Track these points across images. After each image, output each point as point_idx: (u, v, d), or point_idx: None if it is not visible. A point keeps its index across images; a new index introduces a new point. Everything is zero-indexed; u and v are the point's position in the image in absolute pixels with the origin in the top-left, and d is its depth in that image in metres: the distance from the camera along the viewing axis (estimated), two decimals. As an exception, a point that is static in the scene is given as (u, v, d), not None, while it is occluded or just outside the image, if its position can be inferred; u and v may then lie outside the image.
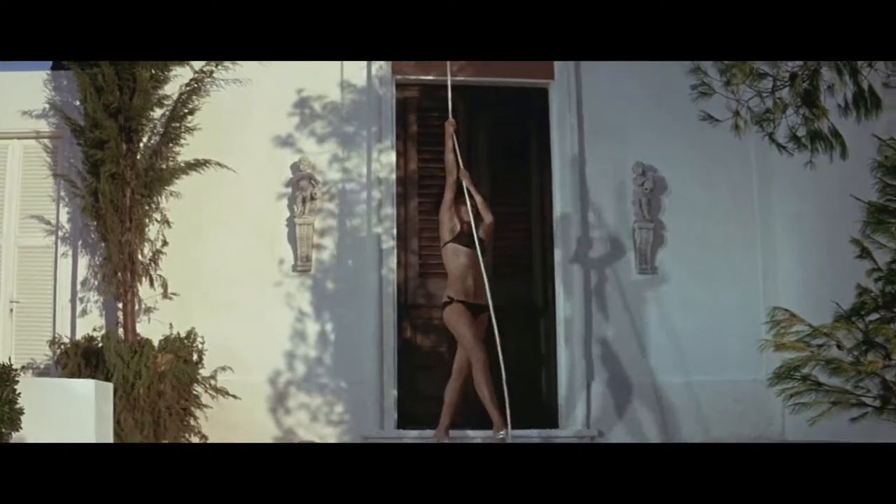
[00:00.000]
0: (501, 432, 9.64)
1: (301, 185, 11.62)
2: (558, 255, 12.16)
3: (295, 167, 11.81)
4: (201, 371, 10.78)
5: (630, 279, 12.26)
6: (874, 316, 6.52)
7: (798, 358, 6.44)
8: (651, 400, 11.85)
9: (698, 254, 12.30)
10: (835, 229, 8.06)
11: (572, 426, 11.78)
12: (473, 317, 9.88)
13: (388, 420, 11.53)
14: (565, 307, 12.01)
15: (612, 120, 12.28)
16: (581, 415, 11.89)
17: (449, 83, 10.36)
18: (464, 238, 10.05)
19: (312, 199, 11.62)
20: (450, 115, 10.32)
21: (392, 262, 11.89)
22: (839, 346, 6.44)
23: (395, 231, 11.95)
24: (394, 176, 12.05)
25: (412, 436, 11.15)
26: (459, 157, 10.12)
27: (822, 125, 7.30)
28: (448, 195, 10.03)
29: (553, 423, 11.91)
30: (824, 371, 6.41)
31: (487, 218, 10.25)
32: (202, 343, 10.77)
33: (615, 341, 12.07)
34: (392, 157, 12.08)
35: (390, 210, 11.95)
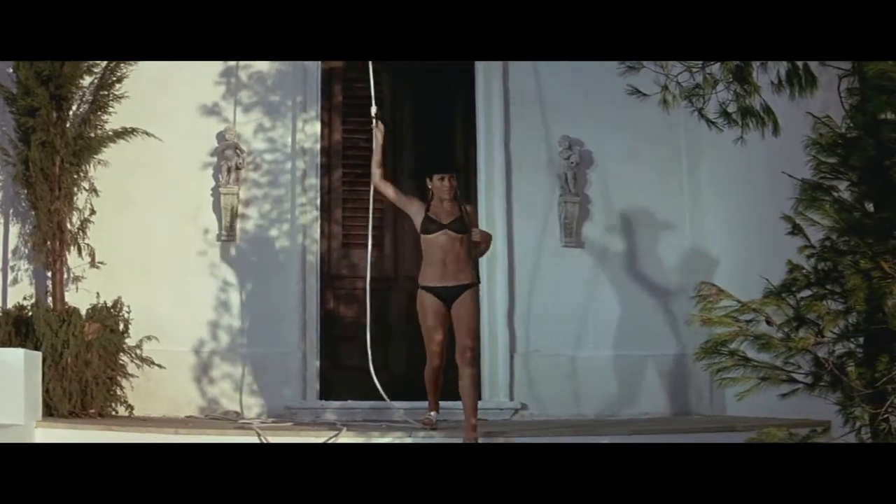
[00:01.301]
0: (431, 413, 9.66)
1: (226, 154, 11.47)
2: (482, 227, 11.91)
3: (220, 137, 11.66)
4: (127, 340, 10.64)
5: (555, 252, 12.20)
6: (806, 293, 6.40)
7: (726, 333, 6.30)
8: (575, 373, 11.80)
9: (624, 228, 12.27)
10: (766, 206, 7.97)
11: (495, 398, 11.70)
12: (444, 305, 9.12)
13: (310, 390, 11.48)
14: (489, 279, 11.85)
15: (539, 94, 12.16)
16: (504, 386, 11.86)
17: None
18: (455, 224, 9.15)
19: (237, 168, 11.49)
20: (372, 98, 10.06)
21: (315, 232, 11.81)
22: (769, 322, 6.31)
23: (318, 201, 11.88)
24: (318, 146, 11.96)
25: (334, 406, 11.08)
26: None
27: (754, 101, 7.19)
28: (390, 192, 9.57)
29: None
30: (753, 346, 6.28)
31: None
32: (128, 312, 10.63)
33: (539, 314, 12.00)
34: (317, 127, 11.97)
35: (314, 180, 11.87)
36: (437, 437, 9.00)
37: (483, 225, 11.84)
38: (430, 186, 9.19)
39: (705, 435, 9.69)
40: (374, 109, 9.92)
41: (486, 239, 9.38)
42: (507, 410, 11.57)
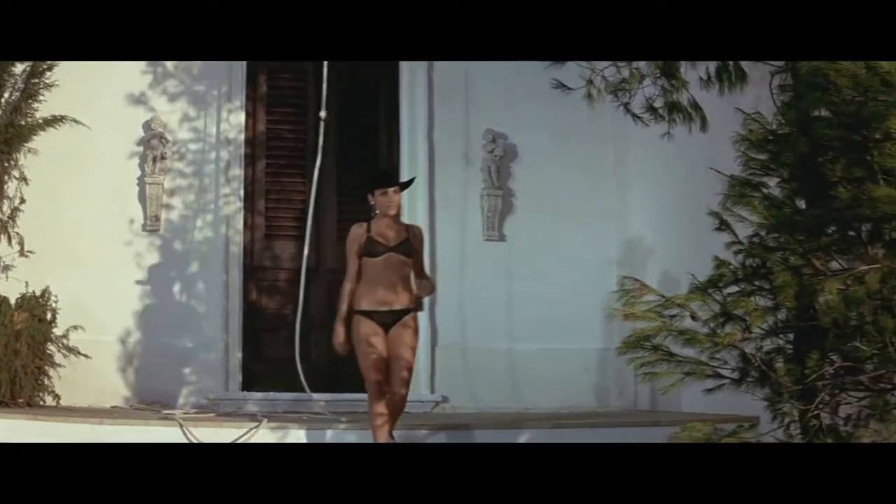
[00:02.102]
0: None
1: (152, 143, 11.27)
2: (404, 219, 11.77)
3: (146, 126, 11.42)
4: (55, 330, 10.46)
5: (477, 245, 12.10)
6: (733, 289, 6.33)
7: (649, 328, 6.21)
8: (497, 366, 11.69)
9: (548, 222, 12.16)
10: (693, 201, 7.89)
11: (416, 390, 11.52)
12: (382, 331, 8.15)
13: (232, 382, 11.31)
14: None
15: (463, 86, 12.04)
16: (425, 379, 11.74)
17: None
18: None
19: (163, 158, 11.30)
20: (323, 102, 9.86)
21: (239, 223, 11.62)
22: (694, 318, 6.23)
23: (242, 192, 11.67)
24: (242, 136, 11.75)
25: (256, 397, 10.93)
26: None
27: (682, 97, 7.12)
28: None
29: (398, 386, 11.61)
30: (677, 342, 6.19)
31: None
32: (56, 302, 10.43)
33: (461, 307, 11.88)
34: (241, 117, 11.77)
35: (238, 171, 11.67)
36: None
37: (406, 217, 11.68)
38: (371, 202, 8.29)
39: (629, 429, 9.67)
40: (322, 113, 9.86)
41: (430, 291, 8.73)
42: (428, 403, 11.46)
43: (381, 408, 8.13)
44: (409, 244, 8.25)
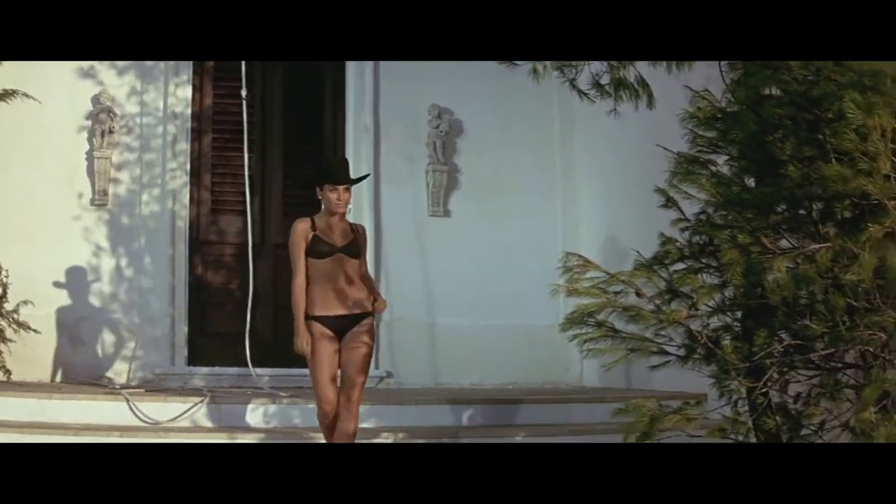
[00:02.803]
0: None
1: (100, 117, 10.99)
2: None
3: (95, 100, 11.14)
4: (5, 305, 10.17)
5: (422, 221, 11.96)
6: (679, 266, 6.22)
7: (593, 304, 6.10)
8: (444, 342, 11.57)
9: (493, 198, 12.05)
10: (641, 178, 7.78)
11: (360, 365, 11.41)
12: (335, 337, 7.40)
13: (178, 357, 11.10)
14: (356, 246, 11.58)
15: (409, 61, 11.84)
16: (370, 354, 11.49)
17: None
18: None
19: (111, 132, 11.01)
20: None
21: (185, 197, 11.37)
22: (638, 294, 6.13)
23: (188, 167, 11.42)
24: (189, 111, 11.50)
25: (202, 372, 10.74)
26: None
27: (628, 73, 6.97)
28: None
29: (339, 363, 11.48)
30: (622, 318, 6.09)
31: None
32: (6, 276, 10.14)
33: (406, 283, 11.73)
34: (188, 91, 11.52)
35: (185, 145, 11.43)
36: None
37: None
38: (319, 197, 7.47)
39: (575, 406, 9.60)
40: (244, 92, 9.66)
41: (383, 307, 7.74)
42: (373, 378, 11.25)
43: (327, 410, 7.36)
44: (356, 245, 7.46)
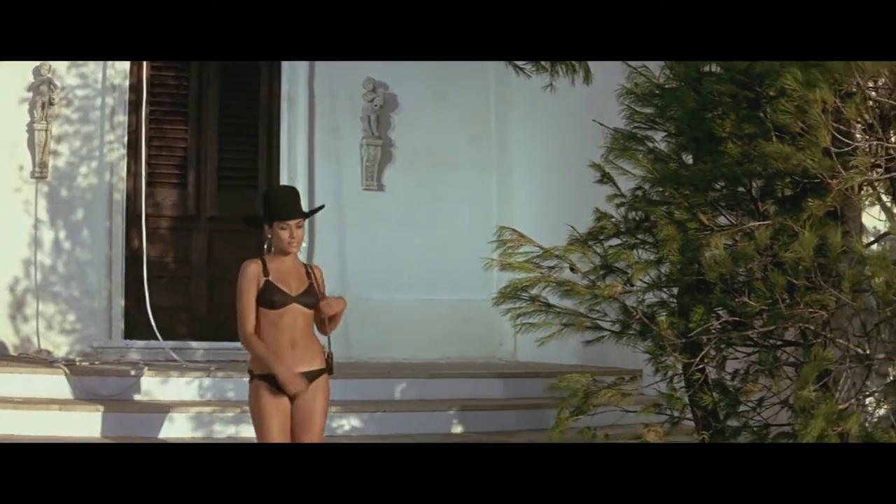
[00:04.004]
0: None
1: (41, 90, 10.59)
2: (283, 169, 11.45)
3: (36, 71, 10.72)
4: (-53, 279, 9.90)
5: (356, 195, 11.68)
6: (614, 241, 6.07)
7: (526, 278, 5.96)
8: (375, 316, 11.32)
9: (427, 172, 11.82)
10: (577, 154, 7.60)
11: (298, 342, 11.21)
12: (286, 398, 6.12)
13: (115, 330, 10.75)
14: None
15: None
16: (307, 330, 11.28)
17: None
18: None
19: (51, 104, 10.63)
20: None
21: (122, 170, 10.98)
22: (572, 269, 5.97)
23: (125, 139, 11.01)
24: (127, 83, 11.08)
25: (138, 346, 10.39)
26: None
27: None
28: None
29: (272, 336, 11.25)
30: (556, 293, 5.94)
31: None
32: (-52, 250, 9.86)
33: (339, 256, 11.48)
34: (126, 63, 11.09)
35: (122, 117, 11.02)
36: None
37: (285, 168, 11.37)
38: (267, 234, 6.16)
39: (508, 380, 9.51)
40: None
41: (341, 310, 6.44)
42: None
43: None
44: (313, 294, 6.17)
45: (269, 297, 6.01)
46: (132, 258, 10.88)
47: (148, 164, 10.97)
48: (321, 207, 7.03)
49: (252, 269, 6.09)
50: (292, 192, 6.41)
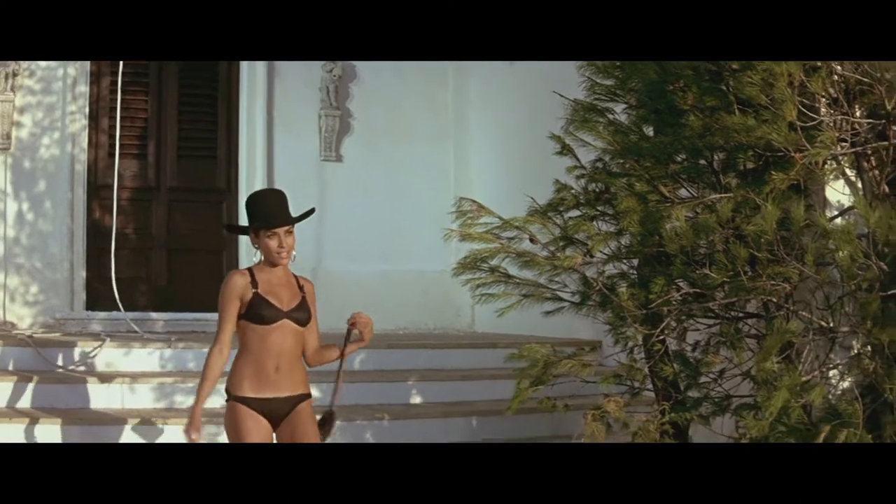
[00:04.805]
0: None
1: (5, 60, 10.33)
2: (242, 139, 11.28)
3: (0, 42, 10.46)
4: None
5: (314, 166, 11.55)
6: (574, 213, 5.98)
7: (486, 249, 5.88)
8: (332, 287, 11.12)
9: (386, 144, 11.73)
10: (537, 125, 7.48)
11: (253, 311, 11.08)
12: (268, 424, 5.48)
13: (77, 301, 10.59)
14: (248, 190, 11.16)
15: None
16: (262, 299, 11.14)
17: None
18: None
19: (14, 75, 10.41)
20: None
21: (84, 141, 10.77)
22: (532, 240, 5.88)
23: (87, 110, 10.82)
24: (89, 52, 10.84)
25: (100, 317, 10.26)
26: None
27: (525, 19, 6.66)
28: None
29: (234, 307, 11.11)
30: (515, 264, 5.85)
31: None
32: None
33: (298, 227, 11.27)
34: (87, 33, 10.86)
35: (84, 88, 10.81)
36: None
37: (244, 138, 11.26)
38: (254, 245, 5.52)
39: (466, 351, 9.46)
40: None
41: (370, 329, 5.97)
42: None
43: None
44: (306, 309, 5.59)
45: (259, 311, 5.37)
46: (93, 229, 10.74)
47: (109, 134, 10.79)
48: (312, 211, 5.85)
49: (236, 282, 5.41)
50: (279, 196, 5.60)
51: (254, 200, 5.60)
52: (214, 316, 9.25)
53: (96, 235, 10.64)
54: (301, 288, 5.63)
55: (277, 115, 11.46)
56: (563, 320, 6.16)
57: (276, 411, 5.39)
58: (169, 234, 11.01)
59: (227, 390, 5.47)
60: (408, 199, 11.60)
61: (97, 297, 10.52)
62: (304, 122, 11.56)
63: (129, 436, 7.09)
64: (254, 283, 5.39)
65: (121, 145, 10.32)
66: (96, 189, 10.82)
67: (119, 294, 9.24)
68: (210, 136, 11.37)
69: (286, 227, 5.45)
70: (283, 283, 5.53)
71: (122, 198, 10.38)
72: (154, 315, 10.03)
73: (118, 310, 9.39)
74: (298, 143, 11.53)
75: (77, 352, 8.16)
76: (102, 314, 10.26)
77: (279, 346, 5.39)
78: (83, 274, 10.62)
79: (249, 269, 5.50)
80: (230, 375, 5.48)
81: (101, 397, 7.57)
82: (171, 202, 11.02)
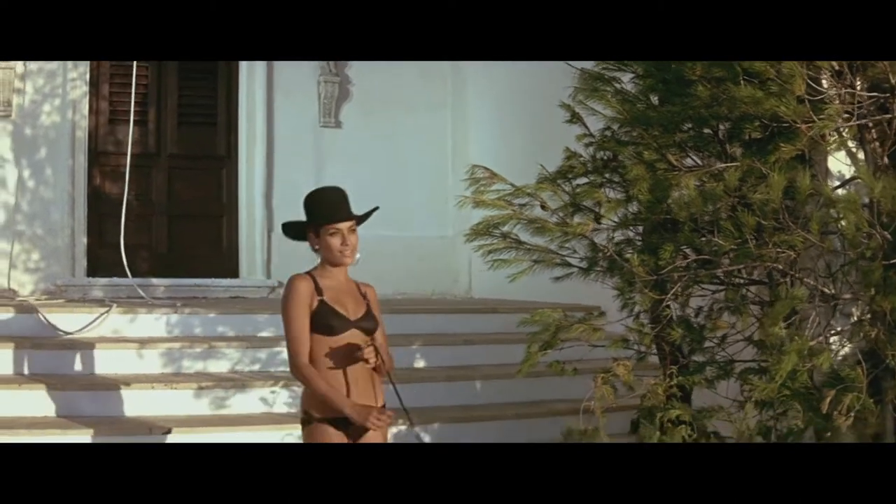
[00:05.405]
0: None
1: (6, 27, 10.47)
2: (242, 106, 11.45)
3: (1, 8, 10.60)
4: None
5: (313, 132, 11.77)
6: (583, 180, 6.15)
7: (498, 215, 6.01)
8: (332, 252, 11.38)
9: (384, 111, 11.93)
10: (533, 93, 7.63)
11: (252, 276, 11.28)
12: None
13: (78, 267, 10.80)
14: (248, 156, 11.36)
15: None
16: (261, 265, 11.49)
17: None
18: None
19: (14, 41, 10.49)
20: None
21: (84, 108, 10.96)
22: (543, 207, 6.04)
23: (88, 76, 10.99)
24: (90, 17, 10.98)
25: (101, 283, 10.46)
26: None
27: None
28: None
29: (234, 272, 11.47)
30: (527, 230, 6.01)
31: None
32: None
33: (296, 192, 11.42)
34: (88, -1, 11.00)
35: (85, 55, 10.90)
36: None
37: (243, 105, 11.43)
38: (314, 247, 5.26)
39: (466, 316, 9.62)
40: None
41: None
42: (264, 289, 11.16)
43: None
44: (372, 316, 5.22)
45: (326, 322, 5.00)
46: (94, 196, 10.93)
47: (109, 101, 10.96)
48: (375, 209, 5.70)
49: (303, 288, 5.05)
50: (339, 192, 5.36)
51: (313, 197, 5.32)
52: (216, 282, 9.63)
53: (97, 202, 10.86)
54: (364, 296, 5.29)
55: (277, 81, 11.65)
56: (562, 287, 6.29)
57: (360, 428, 4.96)
58: (169, 201, 11.22)
59: (305, 411, 5.09)
60: (405, 166, 11.80)
61: (98, 264, 10.74)
62: (303, 88, 11.75)
63: (140, 402, 7.24)
64: (318, 290, 5.04)
65: (121, 112, 10.51)
66: (96, 156, 11.01)
67: (119, 260, 9.42)
68: (210, 102, 11.59)
69: (349, 224, 5.18)
70: (346, 289, 5.19)
71: (123, 164, 10.55)
72: (155, 281, 10.20)
73: (119, 276, 9.57)
74: (298, 110, 11.73)
75: (84, 318, 8.27)
76: (103, 280, 10.46)
77: (350, 358, 4.97)
78: (84, 240, 10.83)
79: (310, 274, 5.14)
80: (306, 396, 5.10)
81: (109, 363, 7.71)
82: (171, 169, 11.25)
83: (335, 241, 5.11)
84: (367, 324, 5.10)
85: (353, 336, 5.01)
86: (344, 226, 5.14)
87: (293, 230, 5.36)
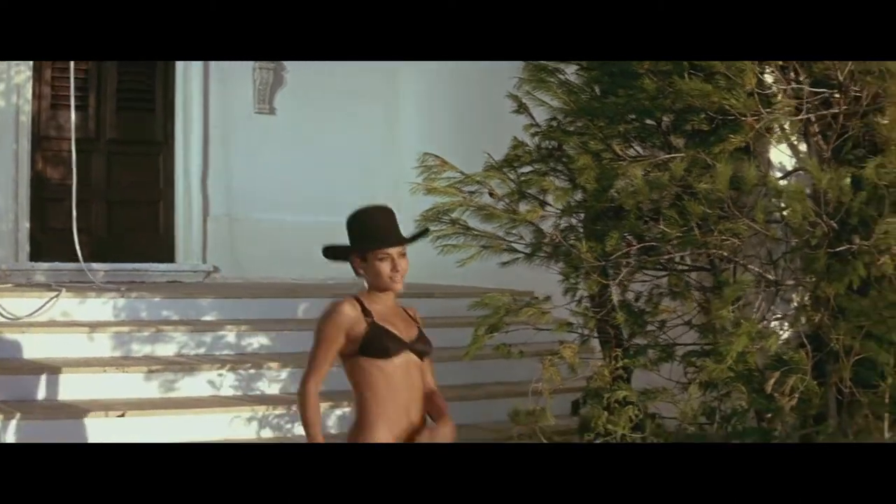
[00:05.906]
0: None
1: (-50, 11, 10.35)
2: (178, 91, 11.47)
3: (-57, -8, 10.47)
4: None
5: (248, 118, 11.79)
6: (528, 168, 6.27)
7: (449, 202, 6.10)
8: (266, 237, 11.40)
9: (318, 98, 11.85)
10: (465, 81, 7.63)
11: (189, 260, 11.29)
12: None
13: (21, 252, 10.72)
14: (185, 142, 11.37)
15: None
16: (197, 249, 11.50)
17: None
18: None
19: (-37, 26, 10.38)
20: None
21: (28, 92, 10.84)
22: (491, 194, 6.15)
23: (31, 61, 10.82)
24: (31, 4, 10.90)
25: (43, 268, 10.33)
26: None
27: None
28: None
29: (170, 257, 11.46)
30: (476, 217, 6.12)
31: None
32: None
33: (231, 178, 11.56)
34: (28, -15, 10.91)
35: (28, 39, 10.81)
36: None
37: (180, 90, 11.43)
38: (358, 272, 4.75)
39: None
40: None
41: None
42: (200, 273, 11.13)
43: None
44: (424, 338, 4.76)
45: (381, 343, 4.55)
46: (36, 180, 10.86)
47: (52, 85, 10.90)
48: (426, 231, 5.41)
49: (346, 315, 4.57)
50: (388, 213, 4.81)
51: (359, 218, 4.83)
52: (154, 266, 9.68)
53: (39, 186, 10.80)
54: (415, 319, 4.83)
55: (213, 68, 11.62)
56: (516, 268, 6.41)
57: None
58: (108, 186, 11.20)
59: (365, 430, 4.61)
60: (339, 153, 11.77)
61: (40, 248, 10.70)
62: (238, 75, 11.71)
63: (92, 386, 7.26)
64: (366, 313, 4.56)
65: (62, 97, 10.46)
66: (39, 140, 10.94)
67: (60, 245, 9.40)
68: (148, 88, 11.53)
69: (399, 249, 4.67)
70: (395, 313, 4.72)
71: (64, 150, 10.51)
72: (95, 265, 10.05)
73: (61, 261, 9.55)
74: (233, 96, 11.72)
75: (34, 302, 8.25)
76: (45, 265, 10.36)
77: (406, 382, 4.58)
78: (27, 225, 10.77)
79: (356, 298, 4.65)
80: (361, 430, 4.58)
81: (60, 347, 7.71)
82: (110, 154, 11.20)
83: (385, 267, 4.61)
84: (422, 346, 4.69)
85: (408, 359, 4.60)
86: (395, 251, 4.63)
87: (335, 253, 4.90)
